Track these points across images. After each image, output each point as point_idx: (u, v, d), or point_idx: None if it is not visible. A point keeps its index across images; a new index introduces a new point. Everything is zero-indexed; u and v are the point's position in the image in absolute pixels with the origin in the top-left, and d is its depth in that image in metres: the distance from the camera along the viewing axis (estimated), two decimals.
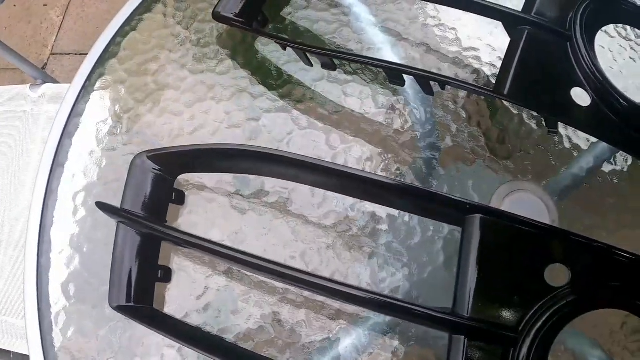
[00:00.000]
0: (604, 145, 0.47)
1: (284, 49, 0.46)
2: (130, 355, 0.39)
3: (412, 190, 0.35)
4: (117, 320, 0.40)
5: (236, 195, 0.43)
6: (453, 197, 0.35)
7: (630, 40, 0.49)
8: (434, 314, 0.33)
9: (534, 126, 0.46)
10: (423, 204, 0.36)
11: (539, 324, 0.33)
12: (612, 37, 0.49)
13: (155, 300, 0.39)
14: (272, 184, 0.43)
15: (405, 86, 0.44)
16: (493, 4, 0.43)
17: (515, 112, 0.47)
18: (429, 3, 0.47)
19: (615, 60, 0.49)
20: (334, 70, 0.45)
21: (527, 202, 0.45)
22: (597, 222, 0.44)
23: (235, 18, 0.46)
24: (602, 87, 0.40)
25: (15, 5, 1.12)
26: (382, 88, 0.46)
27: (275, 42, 0.45)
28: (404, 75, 0.41)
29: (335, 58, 0.44)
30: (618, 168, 0.47)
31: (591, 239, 0.35)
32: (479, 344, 0.33)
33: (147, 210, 0.40)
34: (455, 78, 0.40)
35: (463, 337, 0.33)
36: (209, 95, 0.46)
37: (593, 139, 0.47)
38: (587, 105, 0.41)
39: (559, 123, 0.44)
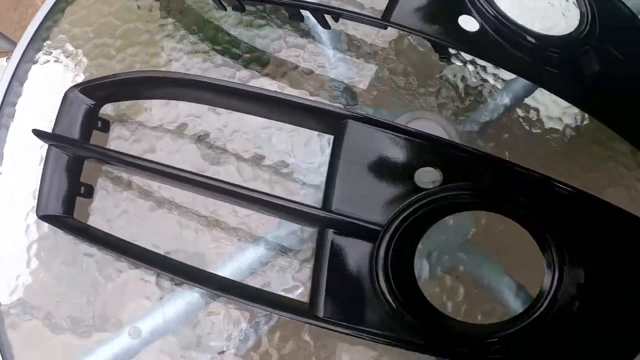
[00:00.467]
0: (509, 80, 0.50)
1: None
2: None
3: (287, 100, 0.39)
4: None
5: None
6: (324, 106, 0.38)
7: None
8: (301, 208, 0.37)
9: (440, 62, 0.49)
10: (297, 113, 0.39)
11: (401, 217, 0.36)
12: None
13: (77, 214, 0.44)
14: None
15: (316, 27, 0.48)
16: None
17: (422, 49, 0.50)
18: None
19: None
20: (243, 11, 0.49)
21: (428, 129, 0.48)
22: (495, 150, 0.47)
23: None
24: (488, 13, 0.43)
25: None
26: (293, 30, 0.50)
27: None
28: (301, 10, 0.45)
29: None
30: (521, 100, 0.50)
31: (460, 144, 0.38)
32: (345, 238, 0.36)
33: (74, 135, 0.45)
34: (345, 9, 0.44)
35: (329, 229, 0.36)
36: (137, 40, 0.51)
37: (504, 76, 0.50)
38: (475, 30, 0.44)
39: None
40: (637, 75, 0.49)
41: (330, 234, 0.36)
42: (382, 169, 0.37)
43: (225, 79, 0.48)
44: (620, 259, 0.37)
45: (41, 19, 0.53)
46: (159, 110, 0.48)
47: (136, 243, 0.43)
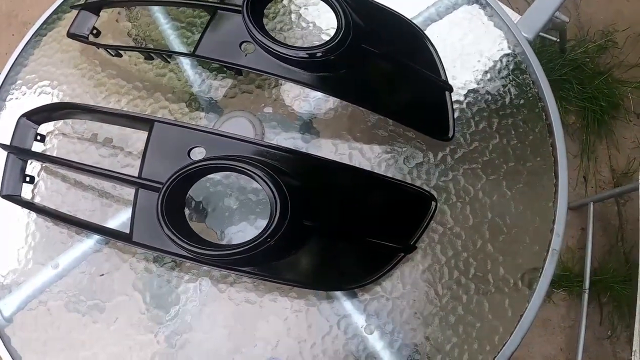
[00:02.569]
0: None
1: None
2: None
3: (119, 114, 0.62)
4: None
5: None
6: (136, 114, 0.61)
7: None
8: (126, 177, 0.60)
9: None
10: (129, 120, 0.63)
11: (173, 177, 0.57)
12: None
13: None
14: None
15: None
16: None
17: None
18: None
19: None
20: (151, 59, 0.74)
21: (241, 123, 0.69)
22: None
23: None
24: (259, 39, 0.63)
25: (13, 35, 1.54)
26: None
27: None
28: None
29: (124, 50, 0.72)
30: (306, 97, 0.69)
31: (215, 130, 0.60)
32: (148, 192, 0.59)
33: (23, 146, 0.72)
34: (160, 49, 0.66)
35: (140, 188, 0.59)
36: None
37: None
38: (253, 52, 0.64)
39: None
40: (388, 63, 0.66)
41: (140, 191, 0.60)
42: (170, 149, 0.60)
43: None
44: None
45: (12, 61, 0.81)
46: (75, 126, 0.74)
47: (58, 209, 0.69)
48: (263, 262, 0.58)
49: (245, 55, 0.64)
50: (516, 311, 0.62)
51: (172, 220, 0.57)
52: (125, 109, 0.66)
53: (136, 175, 0.61)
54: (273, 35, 0.63)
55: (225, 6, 0.66)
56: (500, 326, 0.61)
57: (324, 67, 0.64)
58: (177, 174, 0.57)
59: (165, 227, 0.56)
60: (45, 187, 0.72)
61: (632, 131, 1.25)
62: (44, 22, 0.81)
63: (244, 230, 0.66)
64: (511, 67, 0.72)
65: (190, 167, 0.57)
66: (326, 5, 0.65)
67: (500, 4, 0.77)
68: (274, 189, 0.55)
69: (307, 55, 0.62)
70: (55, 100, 0.76)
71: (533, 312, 0.63)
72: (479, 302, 0.62)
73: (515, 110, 0.70)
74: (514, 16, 1.00)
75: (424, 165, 0.67)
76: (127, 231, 0.61)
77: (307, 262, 0.60)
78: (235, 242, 0.65)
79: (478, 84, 0.71)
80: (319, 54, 0.62)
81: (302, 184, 0.59)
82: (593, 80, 1.23)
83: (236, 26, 0.65)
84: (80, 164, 0.65)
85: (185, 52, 0.68)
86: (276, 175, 0.55)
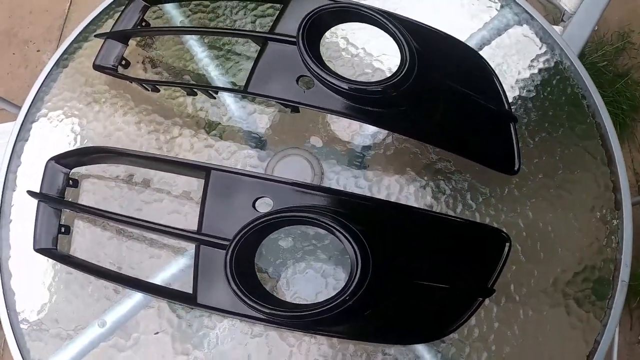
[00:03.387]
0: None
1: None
2: None
3: (169, 160, 0.57)
4: None
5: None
6: (195, 162, 0.56)
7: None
8: (183, 232, 0.55)
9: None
10: (181, 167, 0.58)
11: (241, 234, 0.53)
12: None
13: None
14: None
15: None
16: None
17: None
18: None
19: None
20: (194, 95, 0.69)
21: (297, 162, 0.65)
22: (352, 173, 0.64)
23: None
24: (318, 72, 0.58)
25: (14, 54, 1.47)
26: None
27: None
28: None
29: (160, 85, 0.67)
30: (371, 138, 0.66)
31: (280, 178, 0.55)
32: (210, 249, 0.55)
33: (54, 193, 0.66)
34: (216, 86, 0.61)
35: (197, 244, 0.55)
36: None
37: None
38: (312, 87, 0.60)
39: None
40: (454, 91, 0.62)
41: (202, 247, 0.55)
42: (232, 200, 0.55)
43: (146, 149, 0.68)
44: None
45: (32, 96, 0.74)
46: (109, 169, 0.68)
47: (97, 263, 0.64)
48: (341, 322, 0.54)
49: (304, 91, 0.60)
50: (589, 339, 0.60)
51: (242, 279, 0.52)
52: (168, 154, 0.61)
53: (192, 229, 0.56)
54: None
55: (277, 37, 0.61)
56: None
57: (386, 102, 0.60)
58: (247, 229, 0.53)
59: (237, 289, 0.51)
60: (83, 237, 0.66)
61: None
62: (64, 52, 0.74)
63: (311, 281, 0.62)
64: (568, 91, 0.69)
65: (260, 221, 0.52)
66: (374, 28, 0.61)
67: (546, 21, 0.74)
68: (354, 245, 0.51)
69: (376, 90, 0.57)
70: (86, 139, 0.70)
71: (606, 344, 0.61)
72: (552, 337, 0.61)
73: (576, 137, 0.67)
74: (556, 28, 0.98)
75: (492, 201, 0.64)
76: (181, 287, 0.57)
77: (383, 315, 0.56)
78: (300, 294, 0.61)
79: (538, 111, 0.68)
80: (385, 89, 0.58)
81: (378, 233, 0.55)
82: (613, 83, 1.22)
83: (291, 59, 0.60)
84: (126, 217, 0.59)
85: (234, 87, 0.63)
86: (355, 228, 0.51)
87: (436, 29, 0.65)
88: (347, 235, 0.51)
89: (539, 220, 0.64)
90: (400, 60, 0.59)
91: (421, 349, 0.60)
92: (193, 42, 0.73)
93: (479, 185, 0.65)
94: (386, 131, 0.66)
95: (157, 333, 0.61)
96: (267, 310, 0.51)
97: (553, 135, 0.67)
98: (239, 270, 0.53)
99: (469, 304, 0.58)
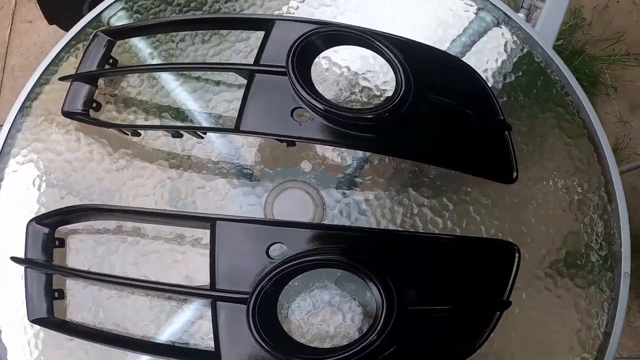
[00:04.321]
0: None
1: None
2: None
3: (168, 214, 0.54)
4: None
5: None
6: (196, 214, 0.54)
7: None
8: (197, 291, 0.53)
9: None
10: (184, 220, 0.55)
11: (260, 286, 0.51)
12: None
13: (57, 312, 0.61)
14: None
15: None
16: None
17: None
18: None
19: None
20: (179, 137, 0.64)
21: (297, 196, 0.63)
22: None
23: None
24: (317, 107, 0.56)
25: None
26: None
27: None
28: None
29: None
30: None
31: (293, 222, 0.53)
32: (228, 304, 0.52)
33: (40, 257, 0.61)
34: (203, 126, 0.58)
35: (213, 300, 0.52)
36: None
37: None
38: (308, 120, 0.58)
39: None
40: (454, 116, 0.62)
41: (219, 304, 0.53)
42: (244, 250, 0.53)
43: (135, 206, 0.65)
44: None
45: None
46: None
47: (99, 325, 0.60)
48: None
49: (300, 124, 0.57)
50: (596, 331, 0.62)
51: (267, 331, 0.50)
52: (158, 201, 0.57)
53: (206, 285, 0.53)
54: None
55: (264, 69, 0.58)
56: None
57: (384, 126, 0.59)
58: (267, 279, 0.50)
59: (264, 344, 0.49)
60: (79, 299, 0.62)
61: (613, 106, 1.29)
62: (26, 99, 0.68)
63: (326, 320, 0.60)
64: (553, 90, 0.70)
65: (281, 269, 0.50)
66: (357, 46, 0.59)
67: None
68: (380, 286, 0.50)
69: (371, 117, 0.56)
70: (66, 193, 0.65)
71: (616, 339, 0.63)
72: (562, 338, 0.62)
73: (566, 137, 0.68)
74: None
75: (495, 212, 0.64)
76: (192, 339, 0.54)
77: (411, 347, 0.56)
78: (318, 333, 0.60)
79: (527, 115, 0.68)
80: (378, 115, 0.57)
81: (395, 267, 0.54)
82: (571, 61, 1.25)
83: (283, 90, 0.58)
84: (126, 279, 0.56)
85: (224, 127, 0.59)
86: (379, 268, 0.50)
87: (429, 46, 0.64)
88: (373, 277, 0.50)
89: (542, 224, 0.65)
90: (396, 84, 0.57)
91: None
92: (166, 76, 0.68)
93: (481, 197, 0.65)
94: (385, 157, 0.65)
95: None
96: None
97: (545, 138, 0.68)
98: (262, 322, 0.51)
99: (489, 320, 0.59)
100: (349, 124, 0.57)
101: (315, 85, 0.58)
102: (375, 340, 0.50)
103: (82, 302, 0.62)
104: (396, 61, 0.57)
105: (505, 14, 0.72)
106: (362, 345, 0.50)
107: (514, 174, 0.64)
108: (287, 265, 0.51)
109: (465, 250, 0.59)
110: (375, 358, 0.53)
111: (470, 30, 0.72)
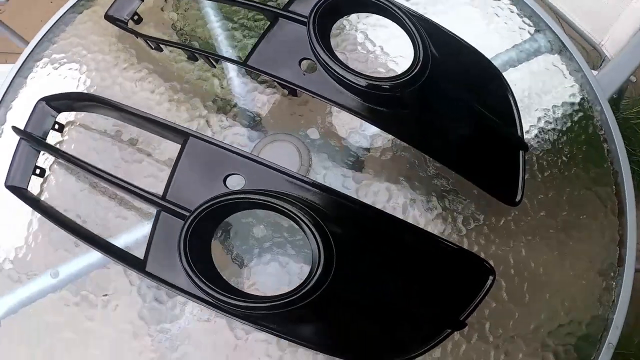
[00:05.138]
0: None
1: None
2: None
3: (151, 119, 0.55)
4: None
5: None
6: (171, 123, 0.54)
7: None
8: (147, 195, 0.52)
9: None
10: (162, 129, 0.55)
11: (204, 207, 0.50)
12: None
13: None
14: None
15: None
16: None
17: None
18: None
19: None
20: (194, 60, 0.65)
21: (286, 149, 0.61)
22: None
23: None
24: (323, 58, 0.55)
25: (51, 2, 1.43)
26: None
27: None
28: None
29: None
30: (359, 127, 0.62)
31: (259, 158, 0.52)
32: (171, 217, 0.51)
33: (38, 134, 0.64)
34: (207, 51, 0.59)
35: (158, 210, 0.52)
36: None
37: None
38: (313, 72, 0.56)
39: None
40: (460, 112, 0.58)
41: (162, 214, 0.52)
42: (204, 171, 0.52)
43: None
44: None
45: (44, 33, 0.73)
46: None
47: (64, 213, 0.61)
48: (290, 320, 0.50)
49: (304, 74, 0.57)
50: None
51: (195, 256, 0.49)
52: (157, 115, 0.58)
53: (160, 194, 0.53)
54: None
55: (289, 14, 0.58)
56: None
57: (391, 102, 0.56)
58: (209, 204, 0.49)
59: (187, 265, 0.48)
60: (56, 183, 0.64)
61: None
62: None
63: (274, 275, 0.58)
64: (590, 130, 0.64)
65: (225, 198, 0.49)
66: (398, 28, 0.57)
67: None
68: (320, 242, 0.47)
69: (382, 86, 0.54)
70: (82, 87, 0.68)
71: None
72: None
73: (589, 181, 0.62)
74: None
75: (484, 229, 0.59)
76: (141, 255, 0.54)
77: (339, 325, 0.52)
78: (260, 286, 0.57)
79: (553, 145, 0.63)
80: (391, 87, 0.54)
81: (350, 236, 0.51)
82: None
83: (299, 40, 0.57)
84: (98, 169, 0.56)
85: (236, 59, 0.60)
86: (326, 226, 0.48)
87: (458, 37, 0.61)
88: (312, 228, 0.47)
89: (532, 259, 0.59)
90: (413, 60, 0.55)
91: None
92: (209, 10, 0.70)
93: (474, 210, 0.60)
94: (387, 136, 0.62)
95: (105, 295, 0.58)
96: (215, 294, 0.48)
97: (564, 173, 0.62)
98: (194, 245, 0.49)
99: (435, 334, 0.53)
100: (353, 87, 0.55)
101: (343, 54, 0.57)
102: (299, 300, 0.47)
103: (58, 189, 0.64)
104: (417, 36, 0.54)
105: (563, 43, 0.68)
106: (282, 301, 0.47)
107: (518, 197, 0.59)
108: (233, 196, 0.49)
109: (435, 251, 0.54)
110: (299, 321, 0.50)
111: (521, 47, 0.68)
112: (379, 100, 0.56)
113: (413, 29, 0.54)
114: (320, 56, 0.55)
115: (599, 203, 0.61)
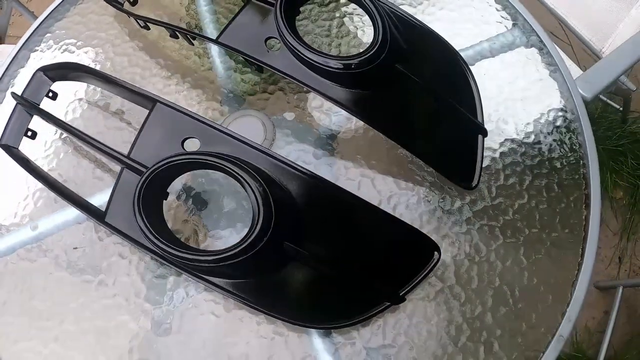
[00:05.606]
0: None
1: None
2: None
3: (124, 86, 0.59)
4: None
5: None
6: (141, 90, 0.58)
7: None
8: (112, 152, 0.56)
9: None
10: (134, 95, 0.59)
11: (158, 165, 0.53)
12: None
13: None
14: None
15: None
16: None
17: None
18: None
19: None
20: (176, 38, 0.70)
21: (253, 123, 0.65)
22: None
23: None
24: (286, 38, 0.58)
25: None
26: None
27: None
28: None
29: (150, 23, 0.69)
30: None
31: (210, 122, 0.55)
32: (132, 174, 0.55)
33: (34, 100, 0.69)
34: (185, 29, 0.63)
35: (122, 166, 0.56)
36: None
37: None
38: (277, 50, 0.60)
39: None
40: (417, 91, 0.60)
41: (125, 171, 0.56)
42: (165, 134, 0.56)
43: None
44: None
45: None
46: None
47: (48, 172, 0.66)
48: (234, 277, 0.53)
49: (269, 52, 0.60)
50: None
51: (148, 210, 0.52)
52: (141, 87, 0.63)
53: (126, 153, 0.57)
54: (307, 39, 0.58)
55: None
56: None
57: (350, 82, 0.58)
58: (162, 162, 0.53)
59: (138, 215, 0.52)
60: (45, 146, 0.69)
61: None
62: None
63: (228, 238, 0.61)
64: (558, 123, 0.64)
65: (177, 158, 0.52)
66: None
67: (562, 54, 0.69)
68: (259, 199, 0.49)
69: (334, 64, 0.56)
70: (78, 60, 0.74)
71: None
72: None
73: (552, 171, 0.62)
74: (576, 71, 0.92)
75: (437, 211, 0.60)
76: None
77: (282, 288, 0.54)
78: (215, 247, 0.60)
79: (517, 134, 0.64)
80: (344, 66, 0.57)
81: (296, 203, 0.54)
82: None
83: (266, 20, 0.61)
84: (76, 129, 0.61)
85: (210, 37, 0.64)
86: (266, 186, 0.50)
87: (423, 23, 0.63)
88: (253, 187, 0.50)
89: (484, 244, 0.59)
90: (372, 40, 0.57)
91: (317, 341, 0.57)
92: None
93: (429, 192, 0.61)
94: (350, 116, 0.64)
95: (75, 248, 0.63)
96: (162, 246, 0.51)
97: (526, 162, 0.62)
98: (148, 201, 0.53)
99: (373, 306, 0.55)
100: (313, 65, 0.58)
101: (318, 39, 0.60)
102: (236, 255, 0.49)
103: (45, 151, 0.69)
104: (377, 16, 0.57)
105: (541, 40, 0.69)
106: (223, 255, 0.50)
107: (475, 182, 0.60)
108: (183, 156, 0.53)
109: (382, 224, 0.56)
110: (238, 276, 0.53)
111: (496, 40, 0.69)
112: (339, 78, 0.58)
113: (373, 9, 0.57)
114: (283, 34, 0.58)
115: (561, 193, 0.61)
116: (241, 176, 0.50)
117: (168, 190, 0.55)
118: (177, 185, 0.60)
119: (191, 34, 0.64)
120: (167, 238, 0.52)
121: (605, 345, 1.05)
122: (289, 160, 0.54)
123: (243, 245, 0.49)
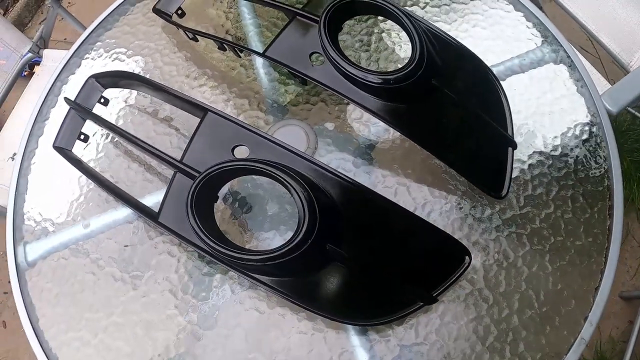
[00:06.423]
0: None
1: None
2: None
3: (176, 95, 0.63)
4: None
5: None
6: (193, 100, 0.62)
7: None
8: (167, 157, 0.60)
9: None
10: (185, 103, 0.63)
11: (210, 171, 0.57)
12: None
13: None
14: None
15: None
16: None
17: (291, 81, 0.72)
18: None
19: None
20: (224, 50, 0.74)
21: (296, 132, 0.69)
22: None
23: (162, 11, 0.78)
24: (330, 53, 0.62)
25: None
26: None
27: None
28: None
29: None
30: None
31: (259, 131, 0.59)
32: (185, 178, 0.59)
33: (86, 105, 0.74)
34: (233, 42, 0.67)
35: (175, 171, 0.60)
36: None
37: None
38: (321, 64, 0.63)
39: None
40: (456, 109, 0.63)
41: (178, 175, 0.60)
42: (216, 141, 0.60)
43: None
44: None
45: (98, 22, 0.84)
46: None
47: (103, 174, 0.71)
48: (279, 275, 0.57)
49: (313, 66, 0.64)
50: None
51: (199, 211, 0.56)
52: (183, 92, 0.67)
53: (179, 158, 0.61)
54: (347, 53, 0.62)
55: (304, 13, 0.66)
56: None
57: (388, 95, 0.62)
58: (215, 167, 0.57)
59: (191, 216, 0.56)
60: (96, 149, 0.74)
61: None
62: None
63: (272, 239, 0.65)
64: (584, 136, 0.68)
65: (229, 163, 0.57)
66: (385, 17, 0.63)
67: (591, 69, 0.73)
68: (305, 204, 0.53)
69: (373, 79, 0.60)
70: (128, 69, 0.78)
71: None
72: None
73: (578, 183, 0.65)
74: (604, 85, 0.95)
75: (469, 219, 0.64)
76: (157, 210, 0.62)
77: (323, 287, 0.58)
78: (259, 248, 0.64)
79: (545, 147, 0.67)
80: (383, 81, 0.61)
81: (337, 208, 0.57)
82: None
83: (311, 36, 0.65)
84: (130, 135, 0.66)
85: (256, 50, 0.68)
86: (311, 191, 0.54)
87: (457, 41, 0.66)
88: (300, 193, 0.54)
89: (512, 250, 0.62)
90: (410, 56, 0.61)
91: (354, 338, 0.60)
92: (244, 9, 0.79)
93: (462, 201, 0.65)
94: (388, 127, 0.68)
95: (126, 246, 0.67)
96: (212, 244, 0.55)
97: (553, 174, 0.66)
98: (200, 203, 0.57)
99: (408, 305, 0.58)
100: (354, 79, 0.62)
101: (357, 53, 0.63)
102: (281, 256, 0.53)
103: (99, 152, 0.74)
104: (415, 35, 0.60)
105: (566, 54, 0.72)
106: (269, 255, 0.53)
107: (504, 191, 0.63)
108: (234, 163, 0.57)
109: (419, 230, 0.60)
110: (285, 276, 0.57)
111: (526, 57, 0.72)
112: (378, 92, 0.62)
113: (412, 27, 0.61)
114: (327, 49, 0.62)
115: (585, 203, 0.64)
116: (289, 182, 0.54)
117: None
118: (224, 189, 0.64)
119: (239, 47, 0.68)
120: (218, 237, 0.56)
121: (629, 354, 1.08)
122: (332, 168, 0.58)
123: (290, 246, 0.53)
